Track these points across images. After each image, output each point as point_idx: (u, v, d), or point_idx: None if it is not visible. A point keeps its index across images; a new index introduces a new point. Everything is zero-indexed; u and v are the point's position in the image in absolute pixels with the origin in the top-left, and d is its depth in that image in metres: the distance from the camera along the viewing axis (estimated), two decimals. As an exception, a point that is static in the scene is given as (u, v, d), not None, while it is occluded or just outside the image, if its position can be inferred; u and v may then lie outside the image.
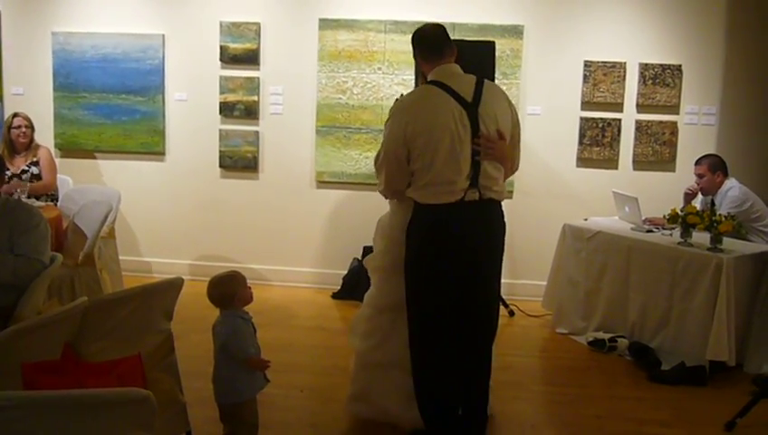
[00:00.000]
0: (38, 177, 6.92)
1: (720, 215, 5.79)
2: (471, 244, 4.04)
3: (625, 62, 7.39)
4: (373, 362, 4.55)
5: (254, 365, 3.91)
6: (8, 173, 6.64)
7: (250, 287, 4.01)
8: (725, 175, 6.64)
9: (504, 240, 4.25)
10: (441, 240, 4.02)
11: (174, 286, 3.90)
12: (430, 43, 4.12)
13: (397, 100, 4.34)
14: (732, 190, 6.52)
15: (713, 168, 6.63)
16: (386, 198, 4.44)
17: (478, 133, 3.91)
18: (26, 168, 6.90)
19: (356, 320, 4.78)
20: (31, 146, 7.05)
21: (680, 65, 7.38)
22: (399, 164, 4.05)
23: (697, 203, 6.73)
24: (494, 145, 3.97)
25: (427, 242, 4.04)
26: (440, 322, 4.12)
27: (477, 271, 4.11)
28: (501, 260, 4.27)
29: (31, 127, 7.06)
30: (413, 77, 6.83)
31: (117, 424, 2.59)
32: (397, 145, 4.01)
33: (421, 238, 4.06)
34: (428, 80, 4.07)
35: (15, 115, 7.03)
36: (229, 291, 3.91)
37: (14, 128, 6.95)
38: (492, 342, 4.33)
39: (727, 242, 5.81)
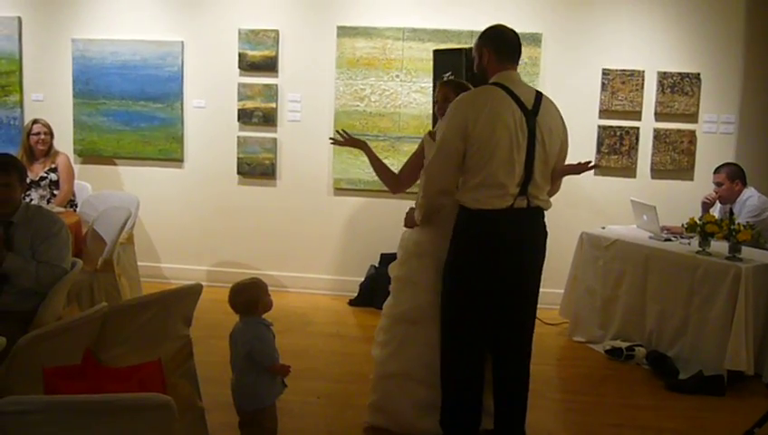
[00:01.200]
0: (56, 184, 6.94)
1: (739, 224, 5.76)
2: (518, 253, 4.04)
3: (643, 71, 7.37)
4: (389, 372, 4.56)
5: (278, 371, 3.92)
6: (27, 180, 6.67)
7: (270, 295, 4.02)
8: (744, 184, 6.62)
9: (545, 250, 4.24)
10: (491, 248, 4.00)
11: (193, 292, 3.92)
12: (510, 46, 4.06)
13: (443, 78, 4.40)
14: (751, 199, 6.50)
15: (731, 176, 6.60)
16: (423, 209, 4.32)
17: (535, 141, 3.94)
18: (44, 174, 6.92)
19: (377, 331, 4.79)
20: (50, 152, 7.07)
21: (699, 74, 7.36)
22: (453, 159, 3.95)
23: (716, 212, 6.70)
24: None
25: (476, 249, 4.02)
26: (477, 334, 4.13)
27: (521, 281, 4.11)
28: (541, 271, 4.25)
29: (50, 134, 7.07)
30: (431, 84, 6.85)
31: (138, 429, 2.61)
32: (456, 138, 3.91)
33: (469, 245, 4.03)
34: (492, 81, 4.02)
35: (35, 122, 7.05)
36: (253, 298, 3.91)
37: (34, 134, 6.97)
38: (530, 356, 4.32)
39: (746, 251, 5.78)
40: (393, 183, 4.95)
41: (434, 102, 4.79)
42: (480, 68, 4.11)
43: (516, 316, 4.16)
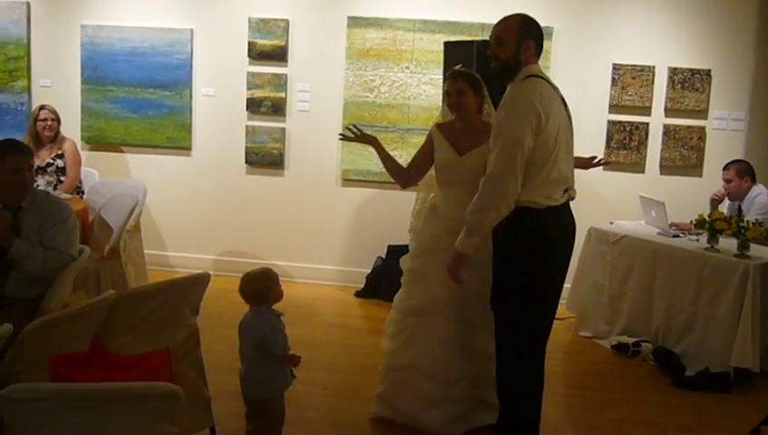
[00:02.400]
0: (63, 170, 6.94)
1: (748, 221, 5.74)
2: (571, 246, 4.07)
3: (654, 66, 7.34)
4: (397, 364, 4.56)
5: (289, 361, 3.91)
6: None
7: (281, 285, 4.00)
8: (753, 181, 6.60)
9: None
10: (562, 244, 3.96)
11: (201, 281, 3.91)
12: (542, 39, 3.94)
13: (454, 69, 4.49)
14: (760, 196, 6.48)
15: (741, 173, 6.58)
16: (484, 227, 3.86)
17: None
18: (51, 160, 6.91)
19: (387, 322, 4.76)
20: (56, 139, 7.05)
21: (709, 70, 7.33)
22: (524, 158, 3.69)
23: (724, 209, 6.68)
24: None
25: (550, 248, 3.88)
26: (547, 331, 4.07)
27: (564, 277, 4.11)
28: None
29: (57, 120, 7.05)
30: (441, 77, 6.82)
31: (145, 418, 2.61)
32: (528, 135, 3.67)
33: (544, 245, 3.86)
34: (533, 74, 3.84)
35: (42, 108, 7.04)
36: (263, 288, 3.90)
37: (41, 120, 6.95)
38: None
39: (754, 248, 5.76)
40: (403, 177, 4.85)
41: (445, 94, 4.63)
42: (514, 59, 3.83)
43: (553, 318, 4.14)
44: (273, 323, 3.86)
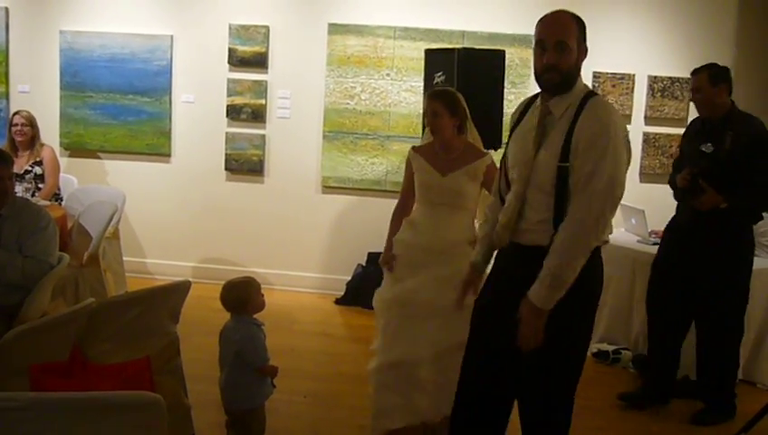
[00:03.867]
0: (41, 177, 6.88)
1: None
2: None
3: (634, 75, 7.38)
4: (391, 361, 4.30)
5: (267, 372, 3.89)
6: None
7: (263, 295, 3.98)
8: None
9: None
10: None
11: (181, 289, 3.90)
12: None
13: (434, 86, 4.37)
14: None
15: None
16: (575, 273, 3.09)
17: None
18: (29, 168, 6.85)
19: (375, 319, 4.58)
20: (34, 145, 6.97)
21: (689, 78, 7.36)
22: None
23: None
24: None
25: (599, 288, 3.38)
26: None
27: None
28: None
29: (30, 125, 6.94)
30: (422, 84, 6.83)
31: (126, 427, 2.59)
32: (625, 172, 3.18)
33: (598, 285, 3.34)
34: (590, 90, 3.26)
35: (16, 113, 6.97)
36: (243, 296, 3.88)
37: (14, 125, 6.89)
38: None
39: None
40: (399, 214, 4.65)
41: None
42: (575, 69, 3.18)
43: None
44: (253, 334, 3.85)
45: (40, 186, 6.82)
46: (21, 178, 6.74)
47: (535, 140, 3.14)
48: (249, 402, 3.86)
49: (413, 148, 4.62)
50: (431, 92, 4.55)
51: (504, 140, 5.57)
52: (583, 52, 3.22)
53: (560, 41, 3.13)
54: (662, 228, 6.42)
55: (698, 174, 4.95)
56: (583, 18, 3.28)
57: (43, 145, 7.05)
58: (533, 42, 3.22)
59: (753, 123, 5.11)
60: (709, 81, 5.12)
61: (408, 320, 4.30)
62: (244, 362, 3.81)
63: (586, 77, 7.10)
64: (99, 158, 8.01)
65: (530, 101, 3.36)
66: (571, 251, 3.06)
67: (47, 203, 6.29)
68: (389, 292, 4.43)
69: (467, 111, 4.47)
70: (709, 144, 5.05)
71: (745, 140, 4.92)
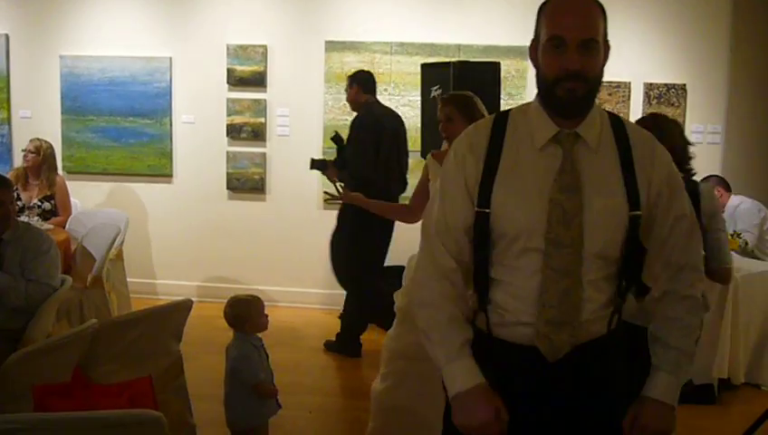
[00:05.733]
0: (49, 212, 6.67)
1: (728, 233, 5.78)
2: None
3: (630, 82, 7.42)
4: (389, 405, 4.25)
5: (263, 392, 3.89)
6: (19, 203, 6.43)
7: (267, 315, 3.98)
8: (728, 190, 6.62)
9: None
10: None
11: (183, 308, 3.92)
12: None
13: (442, 94, 4.04)
14: (743, 205, 6.51)
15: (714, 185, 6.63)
16: None
17: None
18: (39, 202, 6.65)
19: (380, 360, 4.41)
20: (41, 173, 6.75)
21: (684, 84, 7.41)
22: None
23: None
24: None
25: None
26: None
27: None
28: None
29: (35, 153, 6.74)
30: (419, 98, 6.85)
31: (128, 446, 2.61)
32: None
33: None
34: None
35: (30, 141, 6.85)
36: (242, 314, 3.90)
37: (23, 151, 6.85)
38: None
39: (736, 260, 5.79)
40: (407, 215, 4.52)
41: (424, 119, 4.27)
42: (601, 75, 2.28)
43: None
44: (247, 352, 3.86)
45: (47, 218, 6.61)
46: (29, 210, 6.57)
47: (574, 184, 2.20)
48: (248, 420, 3.87)
49: (432, 153, 4.39)
50: (444, 97, 4.41)
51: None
52: (606, 51, 2.31)
53: (588, 39, 2.20)
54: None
55: None
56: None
57: (55, 178, 6.85)
58: (540, 34, 2.27)
59: None
60: None
61: (410, 374, 4.12)
62: (239, 380, 3.83)
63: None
64: (101, 180, 8.05)
65: (496, 126, 2.33)
66: (696, 321, 2.36)
67: (51, 227, 6.31)
68: (398, 341, 4.23)
69: (486, 114, 4.10)
70: None
71: None
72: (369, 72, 6.50)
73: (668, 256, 2.30)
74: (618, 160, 2.25)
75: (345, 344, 6.38)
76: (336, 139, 6.24)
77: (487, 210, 2.22)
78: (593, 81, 2.22)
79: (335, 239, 6.58)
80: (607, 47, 2.30)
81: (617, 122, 2.33)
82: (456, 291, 2.28)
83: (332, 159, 6.38)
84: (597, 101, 2.28)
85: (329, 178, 6.18)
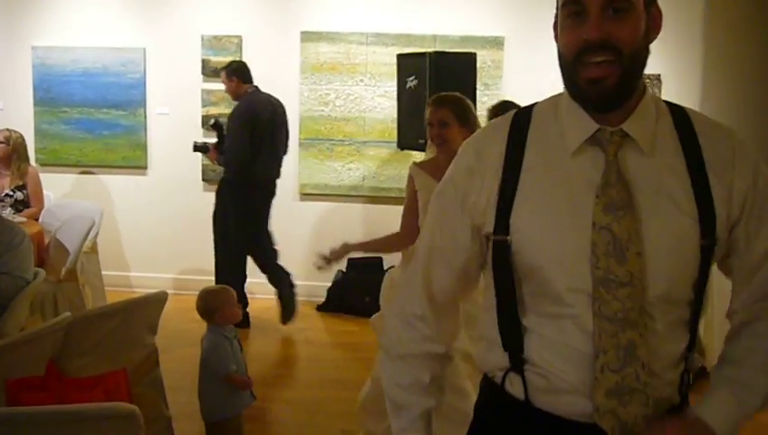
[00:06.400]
0: (22, 202, 6.66)
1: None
2: None
3: (605, 73, 7.42)
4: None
5: (235, 383, 3.89)
6: None
7: (239, 306, 3.99)
8: None
9: None
10: None
11: (158, 300, 3.89)
12: None
13: (436, 94, 3.74)
14: None
15: None
16: None
17: None
18: (10, 192, 6.62)
19: (365, 398, 4.08)
20: (11, 163, 6.70)
21: (659, 75, 7.45)
22: None
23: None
24: None
25: None
26: None
27: None
28: None
29: (5, 142, 6.66)
30: (395, 88, 6.84)
31: (103, 440, 2.58)
32: None
33: None
34: None
35: (0, 131, 6.78)
36: (212, 305, 3.91)
37: None
38: None
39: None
40: (401, 240, 4.07)
41: (426, 124, 3.87)
42: (645, 54, 1.70)
43: None
44: (218, 343, 3.87)
45: (19, 209, 6.61)
46: (0, 200, 6.57)
47: (624, 201, 1.61)
48: (221, 411, 3.87)
49: (414, 163, 4.01)
50: (436, 99, 3.90)
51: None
52: (655, 20, 1.73)
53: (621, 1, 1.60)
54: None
55: None
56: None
57: (27, 168, 6.80)
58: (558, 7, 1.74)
59: None
60: None
61: None
62: (211, 372, 3.83)
63: (559, 76, 7.21)
64: (75, 173, 7.99)
65: (515, 126, 1.78)
66: None
67: (23, 220, 6.24)
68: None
69: (477, 119, 3.90)
70: None
71: None
72: (243, 62, 6.98)
73: (757, 289, 1.71)
74: (683, 166, 1.66)
75: None
76: (216, 125, 6.88)
77: (507, 237, 1.65)
78: (629, 55, 1.60)
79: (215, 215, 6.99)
80: (654, 13, 1.71)
81: (680, 114, 1.77)
82: (427, 334, 1.81)
83: (214, 142, 6.91)
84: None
85: (210, 160, 7.04)
